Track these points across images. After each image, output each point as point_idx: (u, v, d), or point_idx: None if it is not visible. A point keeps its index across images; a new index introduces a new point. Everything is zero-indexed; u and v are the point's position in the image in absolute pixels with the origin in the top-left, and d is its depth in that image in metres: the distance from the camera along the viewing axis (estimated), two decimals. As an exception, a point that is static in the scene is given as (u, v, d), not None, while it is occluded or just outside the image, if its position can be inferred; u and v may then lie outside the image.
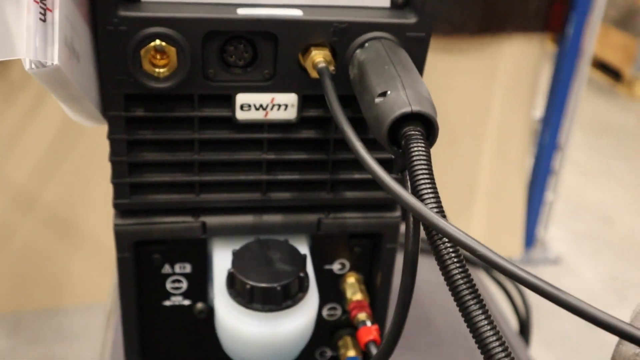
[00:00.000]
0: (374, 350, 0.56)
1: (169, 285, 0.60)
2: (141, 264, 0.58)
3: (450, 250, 0.38)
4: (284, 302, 0.52)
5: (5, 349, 1.96)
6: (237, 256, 0.53)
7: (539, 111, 2.29)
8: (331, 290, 0.62)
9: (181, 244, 0.58)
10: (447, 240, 0.38)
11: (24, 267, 2.06)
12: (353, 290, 0.61)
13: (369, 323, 0.58)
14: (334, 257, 0.61)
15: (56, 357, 1.93)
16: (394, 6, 0.52)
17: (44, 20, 0.39)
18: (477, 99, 2.08)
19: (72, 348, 1.97)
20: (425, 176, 0.40)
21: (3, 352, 1.95)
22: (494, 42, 1.99)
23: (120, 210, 0.55)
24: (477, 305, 0.37)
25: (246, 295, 0.51)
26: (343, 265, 0.62)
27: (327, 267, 0.62)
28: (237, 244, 0.57)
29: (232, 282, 0.52)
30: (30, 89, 1.88)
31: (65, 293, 2.13)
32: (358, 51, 0.50)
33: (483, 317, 0.37)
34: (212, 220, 0.56)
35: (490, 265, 0.35)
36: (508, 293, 1.08)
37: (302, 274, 0.52)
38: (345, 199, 0.58)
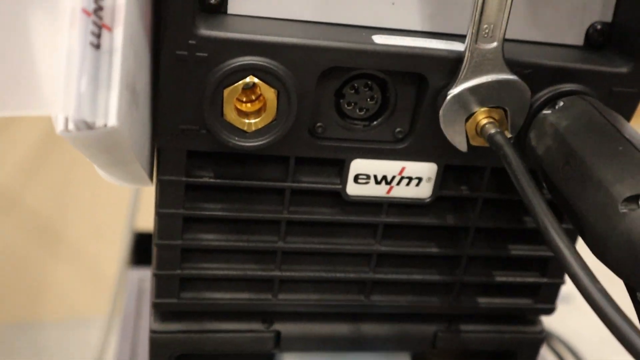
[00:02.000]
0: None
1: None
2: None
3: None
4: None
5: (-30, 371, 1.77)
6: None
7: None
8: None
9: (239, 358, 0.41)
10: None
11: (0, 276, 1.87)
12: None
13: None
14: (442, 376, 0.45)
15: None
16: (591, 44, 0.36)
17: (98, 47, 0.22)
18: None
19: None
20: None
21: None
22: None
23: (162, 311, 0.38)
24: None
25: None
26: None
27: (431, 387, 0.45)
28: None
29: None
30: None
31: (43, 306, 1.94)
32: (548, 112, 0.33)
33: None
34: (289, 329, 0.39)
35: None
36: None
37: None
38: (476, 307, 0.41)
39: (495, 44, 0.32)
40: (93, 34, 0.21)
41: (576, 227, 0.29)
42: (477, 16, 0.31)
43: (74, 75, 0.21)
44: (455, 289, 0.40)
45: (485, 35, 0.31)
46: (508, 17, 0.31)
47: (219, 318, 0.38)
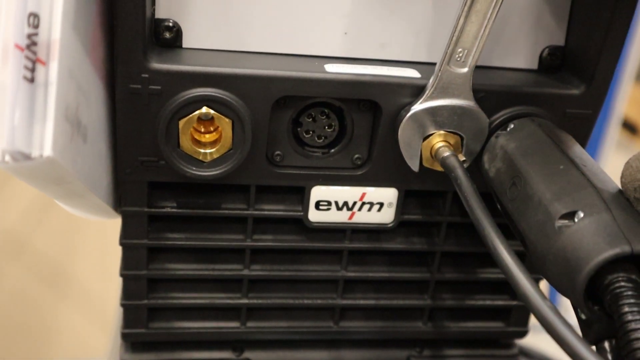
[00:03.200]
0: None
1: None
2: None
3: None
4: None
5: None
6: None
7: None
8: None
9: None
10: None
11: (9, 318, 1.88)
12: None
13: None
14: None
15: None
16: (545, 68, 0.36)
17: (31, 80, 0.23)
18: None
19: (55, 415, 1.77)
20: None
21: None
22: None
23: (132, 341, 0.38)
24: None
25: None
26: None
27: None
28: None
29: None
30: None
31: (53, 347, 1.95)
32: (500, 133, 0.34)
33: None
34: (260, 356, 0.40)
35: None
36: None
37: None
38: (448, 332, 0.41)
39: (466, 69, 0.32)
40: (26, 68, 0.22)
41: (523, 246, 0.30)
42: (455, 38, 0.31)
43: (7, 108, 0.22)
44: (425, 314, 0.40)
45: (458, 59, 0.32)
46: (483, 46, 0.32)
47: (190, 347, 0.39)
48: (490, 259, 0.39)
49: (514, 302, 0.40)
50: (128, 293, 0.37)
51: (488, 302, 0.40)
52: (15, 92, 0.22)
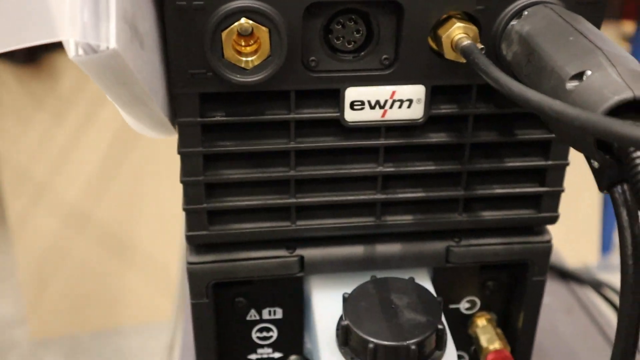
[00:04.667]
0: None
1: (255, 335, 0.47)
2: (222, 310, 0.45)
3: None
4: (419, 365, 0.38)
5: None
6: (350, 302, 0.40)
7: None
8: (457, 334, 0.48)
9: (271, 284, 0.45)
10: None
11: (79, 289, 1.98)
12: (488, 336, 0.47)
13: (517, 382, 0.45)
14: (462, 293, 0.48)
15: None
16: (555, -39, 0.39)
17: (96, -15, 0.26)
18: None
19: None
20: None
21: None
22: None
23: (195, 244, 0.43)
24: None
25: (368, 356, 0.38)
26: (472, 303, 0.48)
27: (453, 306, 0.48)
28: (343, 282, 0.44)
29: (347, 338, 0.39)
30: (80, 103, 1.81)
31: (122, 313, 2.04)
32: (515, 22, 0.36)
33: None
34: (311, 253, 0.44)
35: None
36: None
37: (440, 326, 0.39)
38: (482, 221, 0.44)
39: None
40: (91, -26, 0.26)
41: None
42: None
43: (77, 8, 0.26)
44: (460, 205, 0.43)
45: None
46: None
47: (247, 247, 0.43)
48: (518, 149, 0.42)
49: (544, 189, 0.43)
50: (189, 198, 0.41)
51: (518, 190, 0.43)
52: (83, -3, 0.26)
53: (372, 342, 0.38)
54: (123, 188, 1.90)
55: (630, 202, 0.30)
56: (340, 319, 0.40)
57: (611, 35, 1.89)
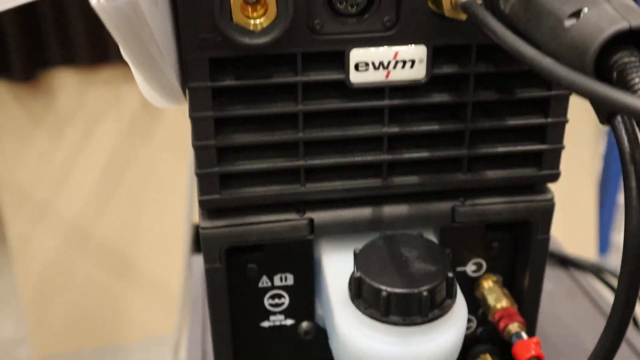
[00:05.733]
0: (539, 370, 0.43)
1: (267, 302, 0.48)
2: (234, 278, 0.47)
3: None
4: (430, 312, 0.40)
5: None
6: (361, 256, 0.42)
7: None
8: (465, 298, 0.49)
9: (282, 250, 0.46)
10: None
11: (80, 306, 1.98)
12: (495, 295, 0.49)
13: (524, 335, 0.46)
14: (468, 256, 0.49)
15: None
16: None
17: None
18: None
19: (133, 386, 1.86)
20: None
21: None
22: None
23: (208, 209, 0.44)
24: None
25: (381, 306, 0.39)
26: (479, 265, 0.50)
27: (460, 269, 0.49)
28: (350, 245, 0.45)
29: (359, 290, 0.40)
30: (78, 120, 1.82)
31: (124, 329, 2.04)
32: (511, -25, 0.38)
33: None
34: (321, 215, 0.45)
35: None
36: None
37: (450, 275, 0.40)
38: (486, 180, 0.45)
39: None
40: None
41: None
42: None
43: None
44: (464, 164, 0.45)
45: None
46: None
47: (259, 211, 0.44)
48: (518, 107, 0.44)
49: (545, 146, 0.45)
50: (200, 162, 0.42)
51: (520, 148, 0.45)
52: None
53: (385, 290, 0.39)
54: (123, 204, 1.90)
55: (630, 130, 0.31)
56: (352, 274, 0.41)
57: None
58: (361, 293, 0.40)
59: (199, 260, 1.07)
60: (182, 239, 1.45)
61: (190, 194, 1.21)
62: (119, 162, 1.86)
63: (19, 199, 1.85)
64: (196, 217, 1.33)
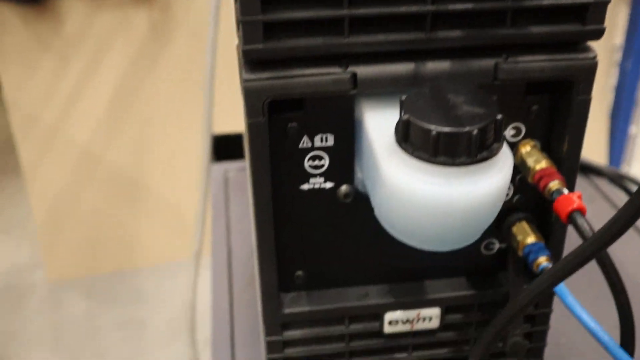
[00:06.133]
0: (581, 222, 0.43)
1: (307, 163, 0.48)
2: (275, 138, 0.46)
3: None
4: (479, 153, 0.39)
5: (82, 311, 1.90)
6: (408, 102, 0.41)
7: (619, 37, 2.11)
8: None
9: (323, 108, 0.46)
10: None
11: (93, 231, 2.00)
12: (535, 157, 0.49)
13: (565, 191, 0.46)
14: (508, 120, 0.49)
15: (133, 318, 1.86)
16: None
17: None
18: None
19: (147, 307, 1.90)
20: None
21: (81, 315, 1.89)
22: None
23: (251, 59, 0.44)
24: None
25: (430, 146, 0.39)
26: (517, 130, 0.50)
27: (499, 133, 0.49)
28: (391, 106, 0.45)
29: (407, 133, 0.40)
30: (85, 44, 1.80)
31: (136, 254, 2.07)
32: None
33: None
34: (364, 70, 0.44)
35: None
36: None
37: (499, 117, 0.40)
38: (530, 35, 0.45)
39: None
40: None
41: None
42: None
43: None
44: (508, 17, 0.44)
45: None
46: None
47: (301, 64, 0.44)
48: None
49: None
50: (245, 9, 0.41)
51: (565, 1, 0.44)
52: None
53: (434, 130, 0.39)
54: (132, 129, 1.90)
55: None
56: (399, 119, 0.41)
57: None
58: (408, 136, 0.40)
59: (219, 168, 1.07)
60: (197, 153, 1.44)
61: (209, 105, 1.21)
62: (127, 88, 1.85)
63: (29, 125, 1.85)
64: (214, 128, 1.32)
